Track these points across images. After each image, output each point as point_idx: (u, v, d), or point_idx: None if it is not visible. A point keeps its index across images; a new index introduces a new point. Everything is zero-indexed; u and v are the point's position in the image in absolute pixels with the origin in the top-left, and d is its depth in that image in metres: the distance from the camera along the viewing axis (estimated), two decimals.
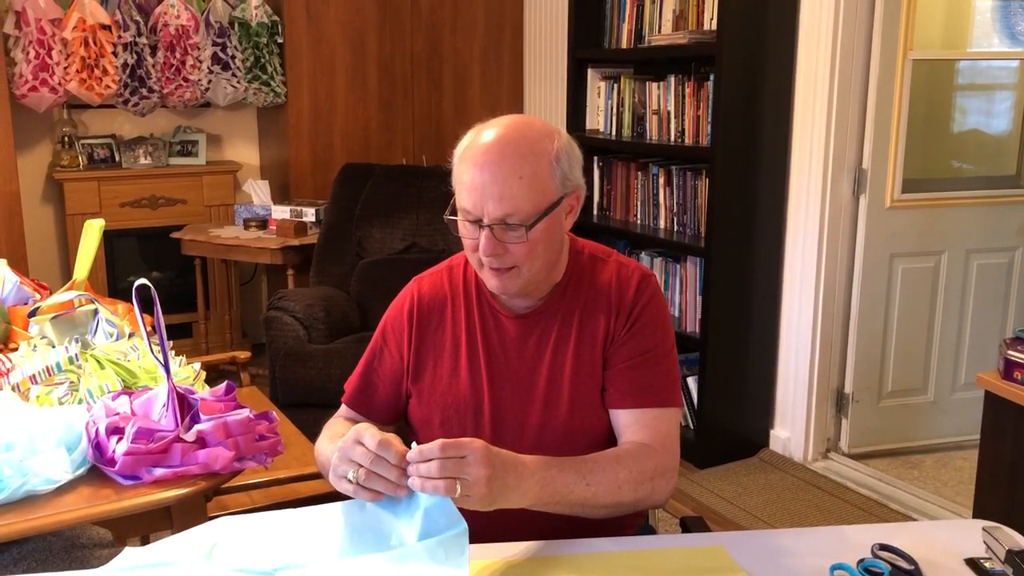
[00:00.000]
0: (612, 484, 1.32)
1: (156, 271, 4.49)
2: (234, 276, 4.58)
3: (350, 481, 1.18)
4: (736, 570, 1.22)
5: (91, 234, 2.28)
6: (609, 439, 1.44)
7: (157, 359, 1.61)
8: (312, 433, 2.47)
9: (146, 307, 1.58)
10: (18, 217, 3.87)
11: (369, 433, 1.20)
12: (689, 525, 1.56)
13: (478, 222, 1.35)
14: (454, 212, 1.39)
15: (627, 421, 1.42)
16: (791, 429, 3.46)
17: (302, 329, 3.35)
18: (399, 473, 1.17)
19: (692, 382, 3.48)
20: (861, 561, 1.21)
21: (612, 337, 1.45)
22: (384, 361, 1.53)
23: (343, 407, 1.56)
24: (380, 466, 1.17)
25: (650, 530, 1.63)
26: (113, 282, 4.34)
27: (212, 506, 1.94)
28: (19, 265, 3.76)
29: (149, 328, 2.31)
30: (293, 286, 4.01)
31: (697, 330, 3.43)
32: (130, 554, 1.20)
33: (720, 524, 2.96)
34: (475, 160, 1.34)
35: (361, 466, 1.17)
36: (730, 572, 1.22)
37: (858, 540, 1.27)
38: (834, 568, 1.20)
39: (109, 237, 4.28)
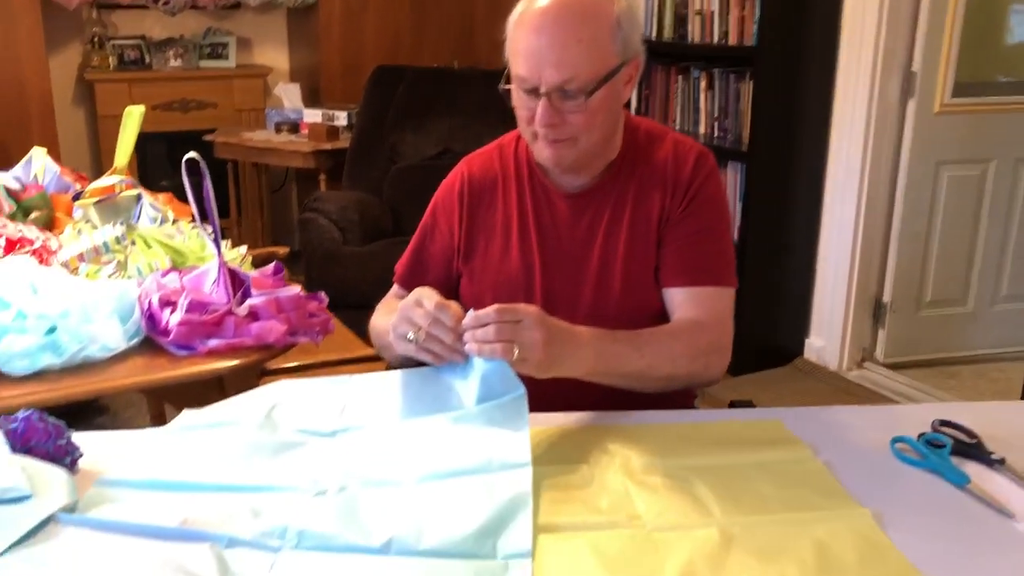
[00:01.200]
0: (666, 357, 1.31)
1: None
2: (265, 182, 4.56)
3: (409, 341, 1.18)
4: (795, 442, 1.21)
5: (132, 121, 2.26)
6: (662, 318, 1.43)
7: (205, 234, 1.60)
8: None
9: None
10: (50, 117, 3.85)
11: (427, 295, 1.19)
12: (738, 406, 1.55)
13: (534, 91, 1.31)
14: (508, 82, 1.35)
15: (681, 299, 1.40)
16: (827, 338, 3.44)
17: (337, 231, 3.34)
18: (455, 336, 1.16)
19: None
20: (922, 435, 1.20)
21: (667, 215, 1.42)
22: (435, 240, 1.51)
23: (395, 287, 1.55)
24: (438, 328, 1.17)
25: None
26: (145, 185, 4.32)
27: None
28: None
29: (190, 217, 2.30)
30: (326, 190, 3.99)
31: (735, 236, 3.38)
32: (190, 415, 1.21)
33: None
34: (532, 24, 1.29)
35: (420, 327, 1.17)
36: (789, 444, 1.21)
37: (918, 417, 1.26)
38: (895, 441, 1.19)
39: (140, 140, 4.23)
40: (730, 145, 3.41)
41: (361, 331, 2.42)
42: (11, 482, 0.98)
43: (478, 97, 3.81)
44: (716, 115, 3.53)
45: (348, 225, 3.36)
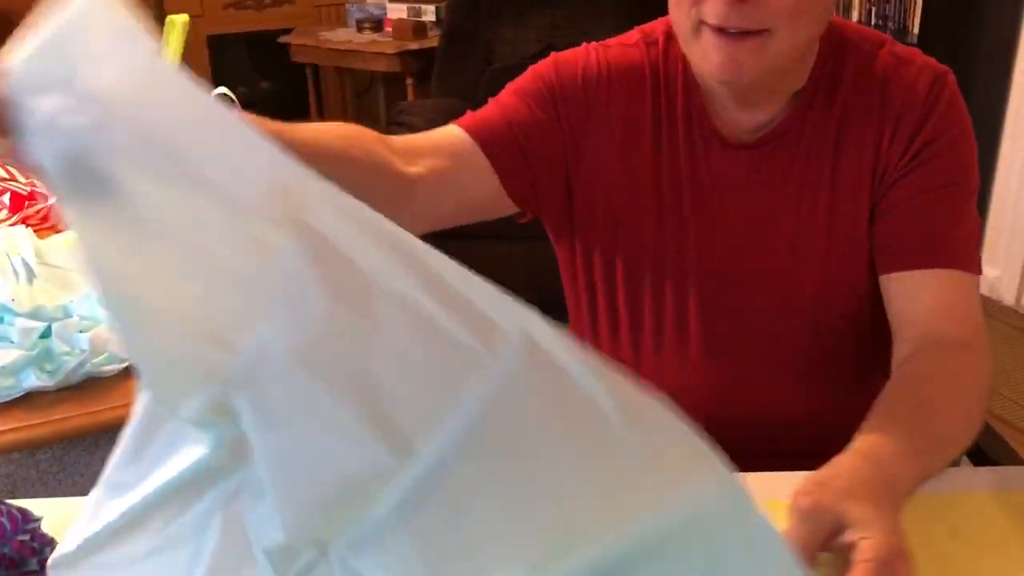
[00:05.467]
0: (962, 427, 0.83)
1: (265, 81, 4.13)
2: (348, 87, 4.17)
3: None
4: None
5: (175, 33, 1.88)
6: (858, 336, 1.00)
7: None
8: None
9: None
10: None
11: None
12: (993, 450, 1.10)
13: None
14: None
15: (909, 292, 0.92)
16: (1003, 267, 2.91)
17: None
18: None
19: None
20: None
21: (884, 169, 0.94)
22: (547, 141, 0.97)
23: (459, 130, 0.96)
24: None
25: None
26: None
27: None
28: None
29: None
30: (413, 97, 3.58)
31: None
32: None
33: None
34: None
35: None
36: None
37: None
38: None
39: (214, 43, 3.92)
40: (893, 36, 2.84)
41: None
42: None
43: None
44: None
45: None
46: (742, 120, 0.96)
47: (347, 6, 3.94)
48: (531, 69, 1.00)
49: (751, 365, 1.01)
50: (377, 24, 3.75)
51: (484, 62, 3.33)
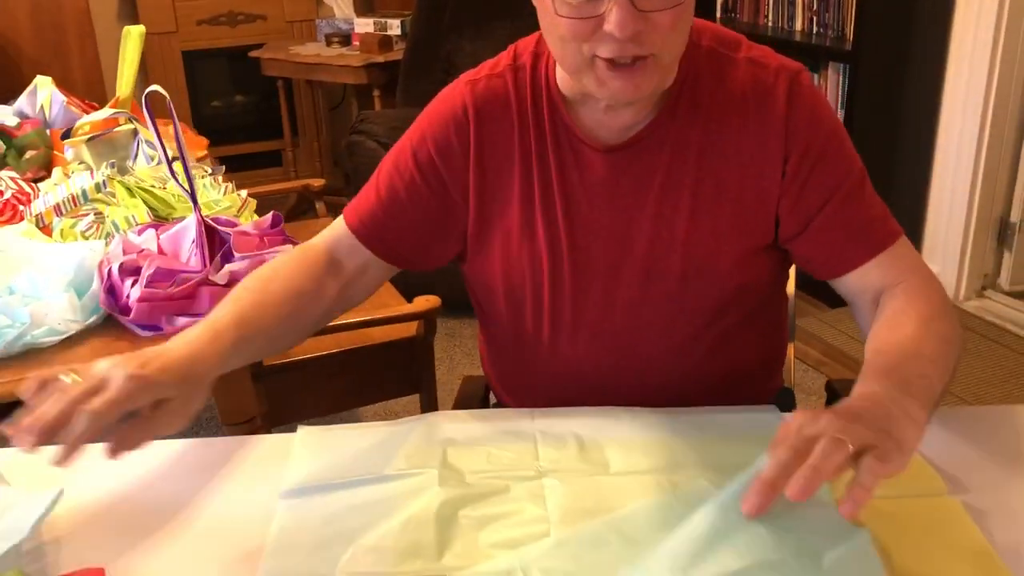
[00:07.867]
0: (950, 346, 0.94)
1: (239, 94, 4.24)
2: (321, 99, 4.28)
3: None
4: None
5: (131, 43, 1.99)
6: (720, 313, 1.08)
7: (180, 184, 1.33)
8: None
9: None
10: (90, 38, 3.62)
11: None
12: (840, 393, 1.23)
13: None
14: None
15: (871, 277, 1.03)
16: (942, 263, 3.02)
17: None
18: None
19: None
20: None
21: (765, 179, 1.02)
22: (419, 201, 1.08)
23: (344, 230, 1.11)
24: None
25: (790, 397, 1.30)
26: (196, 107, 4.11)
27: None
28: (95, 90, 3.54)
29: (203, 152, 2.03)
30: (380, 108, 3.69)
31: None
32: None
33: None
34: None
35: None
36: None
37: None
38: None
39: (189, 58, 4.03)
40: (831, 43, 2.95)
41: (404, 277, 2.14)
42: None
43: None
44: (814, 8, 3.06)
45: None
46: (614, 122, 1.02)
47: (317, 21, 4.06)
48: (406, 140, 1.10)
49: (628, 351, 1.08)
50: (345, 38, 3.86)
51: (445, 74, 3.45)
